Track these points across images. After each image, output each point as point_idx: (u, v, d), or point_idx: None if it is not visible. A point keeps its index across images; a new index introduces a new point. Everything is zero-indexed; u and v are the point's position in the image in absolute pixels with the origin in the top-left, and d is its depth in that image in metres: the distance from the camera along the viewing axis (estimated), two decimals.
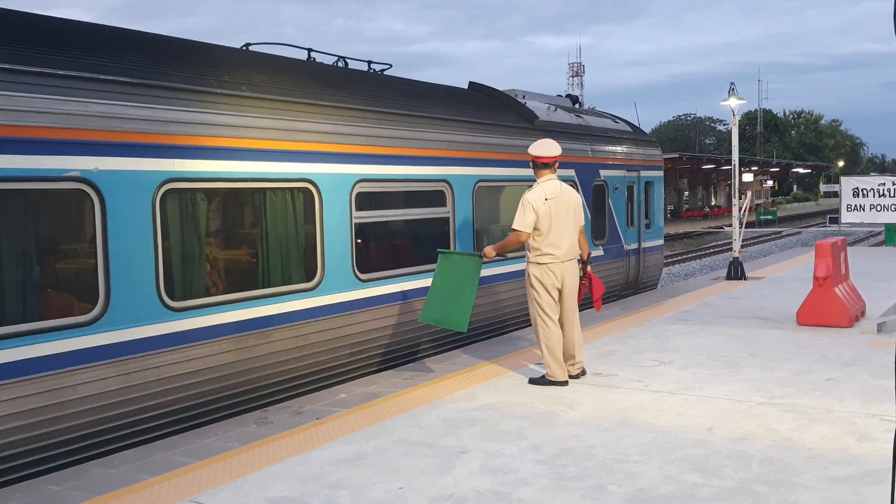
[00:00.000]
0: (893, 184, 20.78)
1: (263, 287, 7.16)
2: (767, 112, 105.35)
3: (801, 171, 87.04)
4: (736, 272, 15.16)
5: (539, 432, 5.95)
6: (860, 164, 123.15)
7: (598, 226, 12.53)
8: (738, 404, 6.54)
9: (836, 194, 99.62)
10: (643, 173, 14.01)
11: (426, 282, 8.41)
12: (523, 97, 11.80)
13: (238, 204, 7.17)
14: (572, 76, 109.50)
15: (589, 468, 5.15)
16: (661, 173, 15.17)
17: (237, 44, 9.25)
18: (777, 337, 9.33)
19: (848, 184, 21.19)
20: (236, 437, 6.15)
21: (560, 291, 7.46)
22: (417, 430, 6.10)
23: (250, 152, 6.95)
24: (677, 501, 4.59)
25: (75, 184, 5.70)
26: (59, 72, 5.68)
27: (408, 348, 8.86)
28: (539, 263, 7.42)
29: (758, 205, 75.11)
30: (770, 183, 77.74)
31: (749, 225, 56.56)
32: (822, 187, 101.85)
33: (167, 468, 5.46)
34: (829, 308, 9.85)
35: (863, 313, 10.51)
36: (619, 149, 13.28)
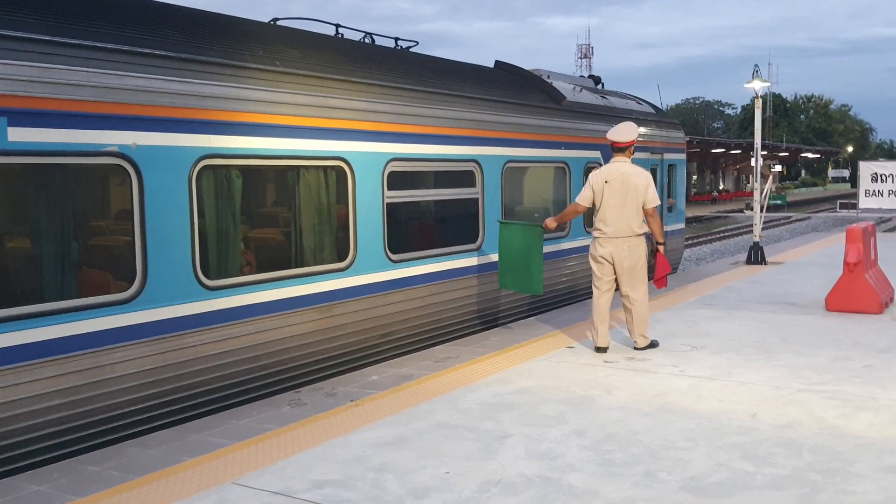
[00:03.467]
0: None
1: (297, 266, 7.11)
2: (777, 96, 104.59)
3: (809, 156, 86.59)
4: (756, 257, 15.03)
5: (580, 417, 5.87)
6: (869, 149, 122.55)
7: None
8: (778, 391, 6.45)
9: (844, 179, 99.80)
10: (666, 156, 13.87)
11: (456, 263, 8.51)
12: (548, 77, 11.64)
13: (272, 182, 7.12)
14: (581, 58, 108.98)
15: (636, 454, 5.07)
16: (683, 156, 15.07)
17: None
18: (807, 322, 9.23)
19: (867, 169, 20.98)
20: (271, 418, 6.08)
21: (614, 267, 7.81)
22: (456, 414, 6.02)
23: (284, 129, 6.86)
24: (732, 489, 4.51)
25: (113, 159, 5.63)
26: (97, 44, 5.57)
27: (438, 329, 8.81)
28: (593, 237, 7.96)
29: None
30: (779, 168, 77.40)
31: None
32: (831, 173, 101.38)
33: (205, 449, 5.39)
34: (859, 294, 9.73)
35: (892, 300, 10.40)
36: (643, 131, 13.08)
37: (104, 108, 5.51)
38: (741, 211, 51.24)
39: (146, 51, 5.87)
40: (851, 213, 42.91)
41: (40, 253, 5.34)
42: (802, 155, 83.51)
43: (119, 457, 5.30)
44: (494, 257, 9.45)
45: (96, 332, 5.48)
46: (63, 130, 5.29)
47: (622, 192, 7.72)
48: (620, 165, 7.87)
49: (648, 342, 7.96)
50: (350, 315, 7.56)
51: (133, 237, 5.74)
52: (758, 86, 15.51)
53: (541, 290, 8.50)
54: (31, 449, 5.26)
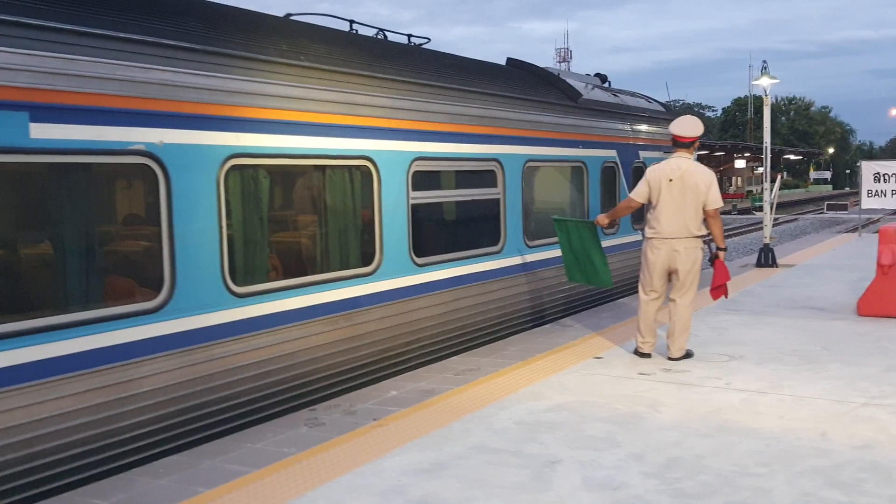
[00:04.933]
0: None
1: (324, 272, 6.73)
2: (758, 98, 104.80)
3: (792, 157, 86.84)
4: (766, 259, 14.59)
5: (632, 438, 5.32)
6: (850, 151, 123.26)
7: (637, 211, 11.94)
8: (839, 405, 5.94)
9: (826, 181, 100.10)
10: None
11: (479, 266, 8.30)
12: (558, 74, 11.18)
13: (297, 183, 6.77)
14: (560, 62, 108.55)
15: (708, 483, 4.52)
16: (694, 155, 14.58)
17: None
18: (842, 329, 8.74)
19: (869, 168, 20.54)
20: (289, 440, 5.49)
21: (668, 269, 7.37)
22: (492, 435, 5.45)
23: (310, 126, 6.47)
24: None
25: (140, 158, 5.20)
26: (121, 34, 5.10)
27: (462, 336, 8.43)
28: (646, 237, 7.48)
29: (749, 191, 74.84)
30: (761, 169, 77.51)
31: (743, 212, 56.25)
32: (812, 174, 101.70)
33: (221, 478, 4.80)
34: (894, 298, 9.25)
35: None
36: (655, 129, 12.76)
37: (130, 103, 5.09)
38: (729, 212, 51.11)
39: (172, 43, 5.42)
40: (840, 214, 43.02)
41: (64, 260, 4.93)
42: (785, 157, 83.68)
43: (127, 488, 4.69)
44: (516, 260, 9.17)
45: (123, 344, 5.07)
46: (87, 127, 4.85)
47: (681, 191, 7.19)
48: (682, 162, 7.32)
49: (684, 352, 7.44)
50: (376, 322, 7.15)
51: (161, 242, 5.34)
52: (766, 83, 15.09)
53: (610, 283, 8.32)
54: (58, 471, 4.79)
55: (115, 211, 5.47)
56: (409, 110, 7.56)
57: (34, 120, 4.58)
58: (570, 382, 6.77)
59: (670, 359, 7.41)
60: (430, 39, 9.23)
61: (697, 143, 7.51)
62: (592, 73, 12.88)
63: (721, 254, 7.49)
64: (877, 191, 20.41)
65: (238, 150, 5.84)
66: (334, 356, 6.75)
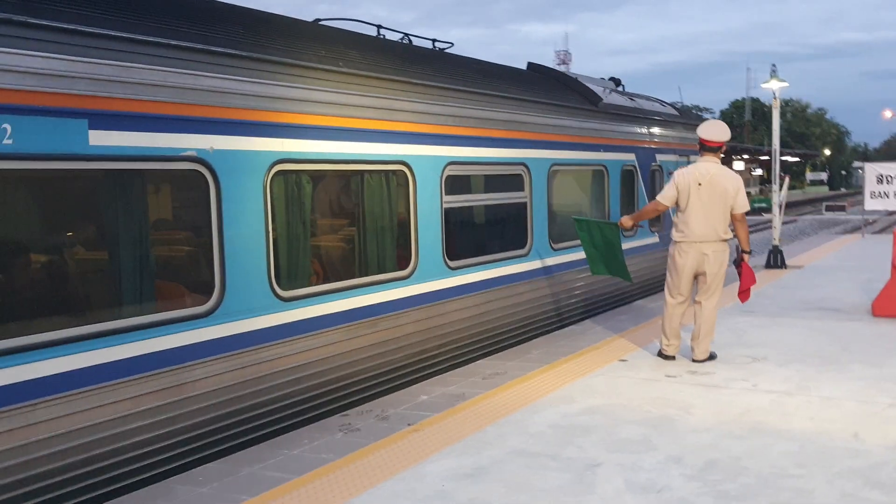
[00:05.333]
0: None
1: (364, 275, 6.88)
2: (755, 101, 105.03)
3: (789, 159, 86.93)
4: (776, 260, 14.67)
5: (667, 441, 5.37)
6: (845, 152, 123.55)
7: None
8: (867, 406, 6.00)
9: (822, 182, 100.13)
10: (693, 158, 13.49)
11: (507, 269, 8.65)
12: (577, 78, 11.27)
13: (338, 188, 6.90)
14: (559, 64, 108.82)
15: (749, 485, 4.58)
16: None
17: None
18: (860, 330, 8.81)
19: (872, 170, 20.65)
20: (325, 446, 5.53)
21: (695, 273, 7.40)
22: (529, 439, 5.50)
23: (350, 132, 6.58)
24: None
25: (191, 164, 5.28)
26: (172, 42, 5.19)
27: (492, 338, 8.59)
28: (673, 241, 7.47)
29: (748, 193, 74.97)
30: (759, 171, 77.70)
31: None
32: (809, 175, 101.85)
33: (262, 486, 4.84)
34: None
35: None
36: (671, 133, 12.92)
37: (181, 109, 5.17)
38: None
39: (220, 50, 5.51)
40: (839, 215, 43.09)
41: (121, 266, 5.04)
42: (782, 158, 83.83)
43: (167, 497, 4.73)
44: (542, 263, 9.33)
45: (177, 348, 5.15)
46: (142, 134, 4.94)
47: (710, 195, 7.23)
48: (710, 166, 7.36)
49: (708, 355, 7.50)
50: (412, 325, 7.27)
51: (211, 247, 5.41)
52: (775, 86, 15.19)
53: (629, 279, 8.41)
54: (115, 474, 4.89)
55: (169, 217, 5.57)
56: (443, 115, 7.70)
57: (93, 127, 4.65)
58: (599, 385, 6.82)
59: (694, 361, 7.46)
60: (453, 44, 9.35)
61: (725, 147, 7.54)
62: (595, 76, 12.98)
63: (746, 257, 7.54)
64: (880, 192, 20.49)
65: (283, 155, 5.93)
66: (373, 359, 6.86)
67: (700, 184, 7.25)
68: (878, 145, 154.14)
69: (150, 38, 5.04)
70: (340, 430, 5.90)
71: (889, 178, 20.47)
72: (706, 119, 14.57)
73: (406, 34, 8.79)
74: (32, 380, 4.38)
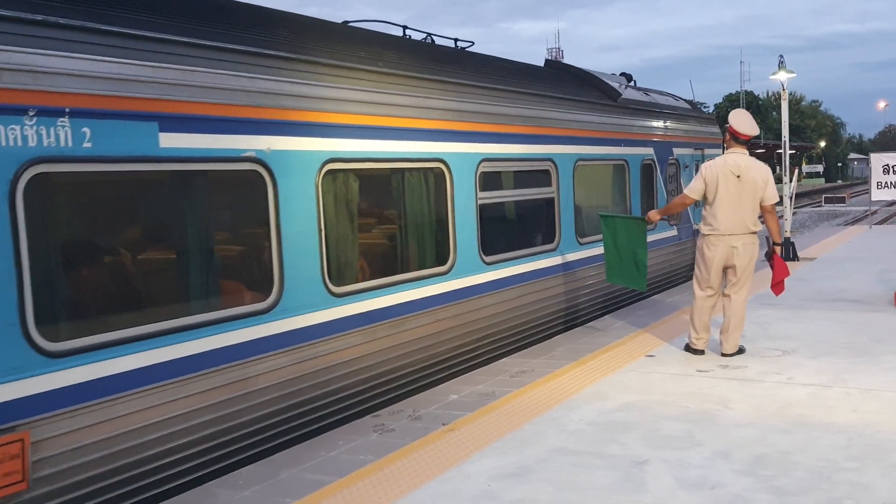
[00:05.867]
0: None
1: (406, 271, 7.03)
2: (750, 94, 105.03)
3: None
4: (788, 252, 14.58)
5: (711, 436, 5.28)
6: (841, 143, 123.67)
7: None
8: None
9: (818, 174, 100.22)
10: (707, 151, 13.65)
11: (538, 264, 8.78)
12: (595, 75, 11.37)
13: (381, 185, 7.04)
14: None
15: (803, 479, 4.49)
16: (720, 151, 14.81)
17: None
18: (885, 321, 8.72)
19: (878, 161, 20.59)
20: (362, 447, 5.44)
21: (724, 266, 7.29)
22: (569, 437, 5.41)
23: (392, 131, 6.73)
24: None
25: (251, 164, 5.43)
26: (233, 46, 5.39)
27: (524, 332, 8.71)
28: (702, 234, 7.36)
29: None
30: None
31: None
32: (805, 167, 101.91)
33: (304, 489, 4.74)
34: None
35: None
36: (686, 127, 13.10)
37: (241, 111, 5.33)
38: None
39: (275, 53, 5.69)
40: (838, 207, 43.10)
41: (189, 263, 5.24)
42: (778, 151, 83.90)
43: (209, 500, 4.63)
44: (570, 257, 9.43)
45: (241, 343, 5.30)
46: (206, 136, 5.10)
47: (738, 187, 7.13)
48: (739, 158, 7.26)
49: (738, 348, 7.41)
50: (451, 320, 7.40)
51: (270, 245, 5.56)
52: (783, 77, 15.11)
53: (644, 286, 8.34)
54: (186, 467, 5.03)
55: (232, 216, 5.70)
56: (477, 113, 7.84)
57: (163, 130, 4.80)
58: (631, 381, 6.74)
59: (723, 355, 7.37)
60: (473, 43, 9.45)
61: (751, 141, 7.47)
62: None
63: (778, 249, 7.45)
64: (886, 182, 20.44)
65: (332, 155, 6.07)
66: (417, 353, 7.00)
67: (734, 175, 7.14)
68: (873, 136, 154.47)
69: (212, 43, 5.22)
70: (374, 430, 5.81)
71: (895, 169, 20.42)
72: (710, 117, 14.61)
73: (429, 34, 8.89)
74: (109, 376, 4.49)
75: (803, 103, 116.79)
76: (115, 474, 4.56)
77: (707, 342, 7.54)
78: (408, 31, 8.60)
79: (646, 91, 12.55)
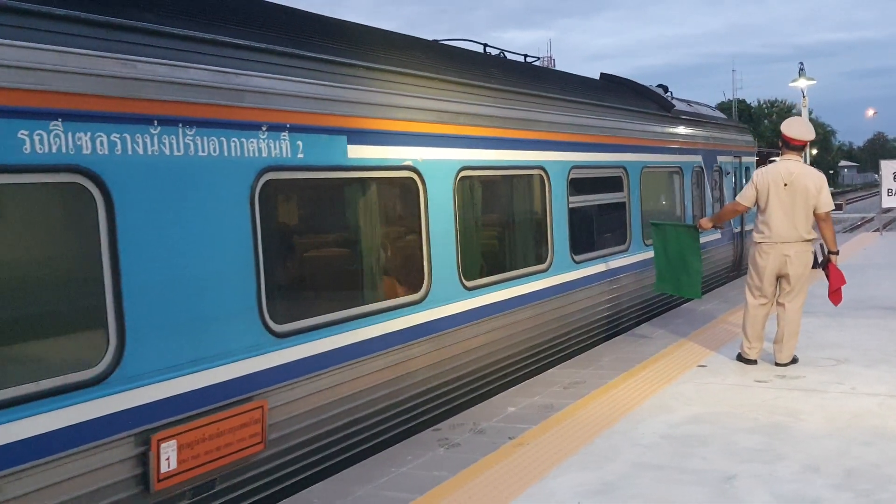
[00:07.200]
0: None
1: (516, 268, 7.74)
2: (741, 102, 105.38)
3: (777, 159, 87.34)
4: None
5: (792, 449, 5.16)
6: (832, 151, 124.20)
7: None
8: None
9: None
10: (744, 159, 14.39)
11: (615, 263, 9.59)
12: (646, 87, 11.85)
13: (498, 190, 7.88)
14: None
15: None
16: (754, 159, 16.01)
17: None
18: None
19: (888, 167, 20.62)
20: (432, 463, 5.30)
21: (777, 274, 7.19)
22: (645, 451, 5.28)
23: (504, 141, 7.41)
24: None
25: (408, 172, 6.20)
26: (399, 69, 6.18)
27: (606, 327, 9.48)
28: (755, 241, 7.33)
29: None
30: None
31: None
32: None
33: None
34: None
35: None
36: (727, 136, 14.01)
37: (403, 126, 6.09)
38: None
39: (424, 74, 6.45)
40: (836, 214, 43.25)
41: (370, 259, 6.12)
42: (771, 159, 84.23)
43: None
44: (638, 258, 10.06)
45: (402, 329, 6.04)
46: (379, 147, 5.87)
47: (791, 194, 7.01)
48: (792, 165, 7.14)
49: (791, 358, 7.31)
50: (549, 313, 8.11)
51: (422, 243, 6.33)
52: (803, 84, 15.11)
53: (699, 294, 8.43)
54: (367, 435, 5.79)
55: (397, 217, 6.47)
56: (568, 125, 8.61)
57: (350, 142, 5.58)
58: (689, 392, 6.61)
59: (777, 364, 7.26)
60: (538, 58, 9.92)
61: (805, 148, 7.38)
62: None
63: (833, 258, 7.34)
64: None
65: (465, 163, 6.84)
66: (521, 343, 7.70)
67: (786, 184, 7.03)
68: (863, 143, 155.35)
69: (385, 67, 6.01)
70: (440, 444, 5.67)
71: None
72: (745, 127, 14.85)
73: (502, 50, 9.26)
74: (317, 355, 5.25)
75: (794, 112, 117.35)
76: (319, 440, 5.29)
77: (760, 351, 7.43)
78: (487, 49, 9.09)
79: (688, 102, 12.95)
